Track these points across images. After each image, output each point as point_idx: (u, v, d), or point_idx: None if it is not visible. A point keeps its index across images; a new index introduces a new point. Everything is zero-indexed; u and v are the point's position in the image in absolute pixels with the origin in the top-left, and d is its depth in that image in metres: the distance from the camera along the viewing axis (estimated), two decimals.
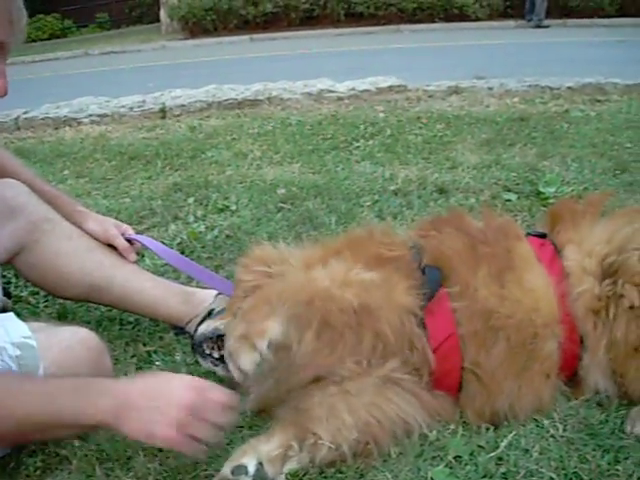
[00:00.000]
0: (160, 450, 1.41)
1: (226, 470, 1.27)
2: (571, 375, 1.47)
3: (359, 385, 1.33)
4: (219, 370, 1.68)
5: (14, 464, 1.42)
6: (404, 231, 1.86)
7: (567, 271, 1.47)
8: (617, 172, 3.26)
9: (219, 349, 1.68)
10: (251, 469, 1.26)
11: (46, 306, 2.15)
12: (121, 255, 1.92)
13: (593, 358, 1.43)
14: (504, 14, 15.42)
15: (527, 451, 1.35)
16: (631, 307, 1.40)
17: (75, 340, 1.43)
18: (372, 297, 1.39)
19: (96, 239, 1.91)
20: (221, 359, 1.66)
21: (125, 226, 1.99)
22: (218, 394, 1.27)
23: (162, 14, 17.51)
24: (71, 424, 1.22)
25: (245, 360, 1.26)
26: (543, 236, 1.60)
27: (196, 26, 14.60)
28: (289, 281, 1.44)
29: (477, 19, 14.88)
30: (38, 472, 1.40)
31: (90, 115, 5.04)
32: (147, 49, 13.64)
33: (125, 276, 1.88)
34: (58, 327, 1.51)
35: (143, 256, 2.34)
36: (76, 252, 1.86)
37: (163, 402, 1.22)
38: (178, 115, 5.00)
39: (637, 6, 15.39)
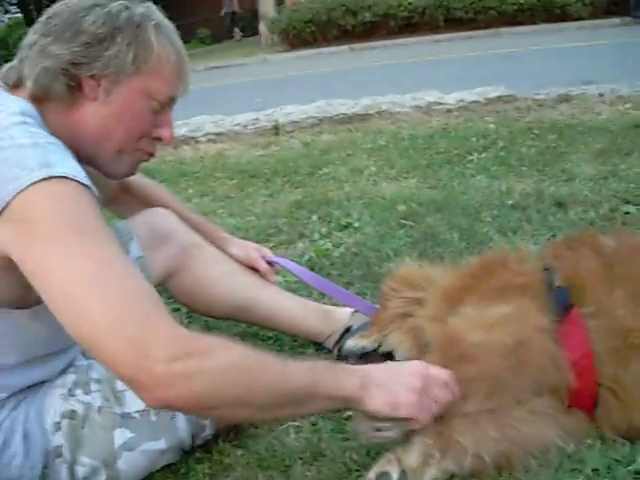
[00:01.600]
0: (316, 459, 1.54)
1: (371, 475, 1.37)
2: None
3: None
4: None
5: (184, 470, 1.57)
6: (538, 252, 1.91)
7: None
8: None
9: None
10: (394, 476, 1.35)
11: (190, 322, 2.31)
12: (263, 277, 2.07)
13: None
14: (608, 11, 15.03)
15: None
16: None
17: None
18: (518, 330, 1.46)
19: (239, 262, 2.06)
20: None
21: (265, 249, 2.14)
22: (440, 372, 1.40)
23: (261, 27, 17.93)
24: (325, 396, 1.26)
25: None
26: None
27: (296, 38, 14.88)
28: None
29: (580, 18, 14.57)
30: (207, 477, 1.54)
31: (207, 134, 5.28)
32: (249, 63, 13.99)
33: (268, 296, 2.02)
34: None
35: (277, 273, 2.47)
36: (222, 275, 2.01)
37: (401, 376, 1.35)
38: (291, 131, 5.17)
39: None
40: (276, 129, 5.22)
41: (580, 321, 1.47)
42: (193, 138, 5.25)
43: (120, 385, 1.46)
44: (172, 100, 1.50)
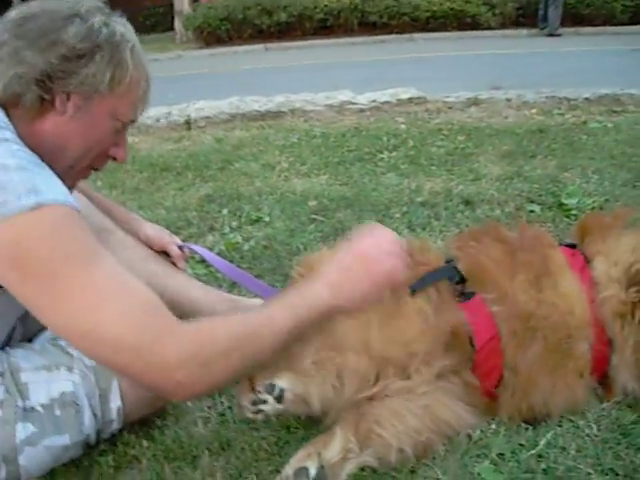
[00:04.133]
0: (224, 449, 1.53)
1: (289, 471, 1.36)
2: (602, 377, 1.57)
3: (415, 387, 1.43)
4: None
5: (87, 463, 1.53)
6: (443, 244, 1.96)
7: (596, 280, 1.58)
8: (637, 184, 3.35)
9: None
10: (312, 472, 1.35)
11: None
12: (173, 264, 2.04)
13: (621, 359, 1.54)
14: (517, 22, 15.52)
15: (565, 449, 1.45)
16: None
17: None
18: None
19: (150, 246, 2.03)
20: None
21: (175, 237, 2.11)
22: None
23: (177, 23, 17.71)
24: (308, 322, 1.35)
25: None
26: (573, 246, 1.71)
27: (211, 35, 14.77)
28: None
29: (490, 27, 14.98)
30: (111, 470, 1.50)
31: None
32: (163, 58, 13.78)
33: (177, 284, 1.98)
34: None
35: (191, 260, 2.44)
36: (131, 261, 1.96)
37: (353, 265, 1.43)
38: (203, 127, 5.13)
39: None
40: (188, 124, 5.16)
41: (483, 306, 1.51)
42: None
43: (25, 377, 1.42)
44: (133, 122, 1.49)
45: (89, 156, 1.45)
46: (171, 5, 18.35)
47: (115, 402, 1.49)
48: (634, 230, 1.70)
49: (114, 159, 1.53)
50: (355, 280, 1.40)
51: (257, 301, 2.03)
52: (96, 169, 1.53)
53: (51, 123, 1.35)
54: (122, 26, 1.43)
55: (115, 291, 1.22)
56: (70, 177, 1.44)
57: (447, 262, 1.62)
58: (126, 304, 1.21)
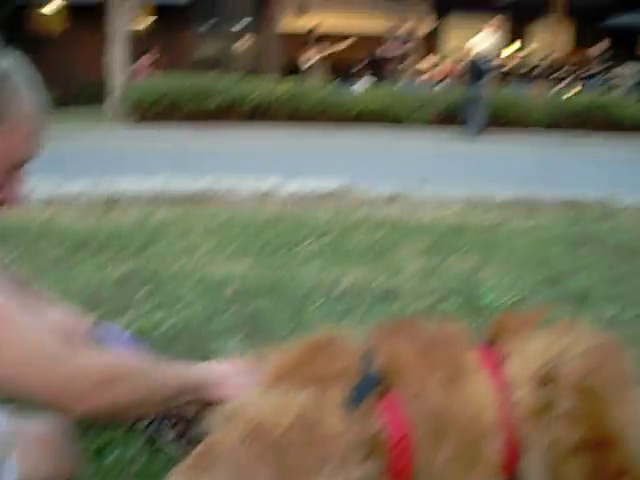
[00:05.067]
0: None
1: None
2: (511, 477, 1.59)
3: None
4: (173, 449, 1.77)
5: None
6: (361, 336, 1.98)
7: (509, 379, 1.61)
8: (549, 284, 3.48)
9: (174, 429, 1.77)
10: None
11: None
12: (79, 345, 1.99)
13: (532, 460, 1.56)
14: (442, 123, 16.10)
15: None
16: (567, 411, 1.53)
17: (43, 426, 1.50)
18: (308, 413, 1.48)
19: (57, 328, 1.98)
20: (177, 439, 1.77)
21: (86, 318, 2.07)
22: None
23: (110, 100, 17.76)
24: (190, 389, 1.49)
25: None
26: (487, 345, 1.74)
27: (142, 114, 14.82)
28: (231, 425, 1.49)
29: (414, 126, 15.49)
30: None
31: (41, 198, 5.09)
32: (95, 132, 13.76)
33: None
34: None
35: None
36: None
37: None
38: (127, 204, 5.10)
39: (566, 123, 16.30)
40: (112, 200, 5.13)
41: (397, 404, 1.52)
42: (25, 200, 5.04)
43: None
44: (26, 161, 1.43)
45: None
46: (105, 81, 18.45)
47: (9, 477, 1.44)
48: (546, 330, 1.75)
49: (6, 201, 1.44)
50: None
51: None
52: None
53: None
54: (12, 60, 1.39)
55: (20, 334, 1.30)
56: None
57: (365, 355, 1.63)
58: (29, 344, 1.29)
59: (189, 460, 1.41)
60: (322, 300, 3.05)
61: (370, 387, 1.53)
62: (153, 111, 14.67)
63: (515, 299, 3.20)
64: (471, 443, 1.53)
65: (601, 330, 2.60)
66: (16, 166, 1.41)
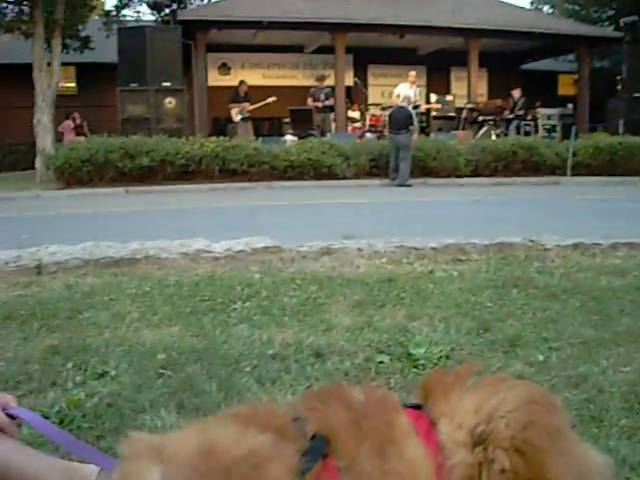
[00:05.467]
0: None
1: None
2: None
3: None
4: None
5: None
6: (291, 403, 1.96)
7: (442, 444, 1.60)
8: (480, 331, 3.52)
9: None
10: None
11: None
12: (2, 431, 1.91)
13: None
14: (370, 173, 16.37)
15: None
16: (502, 470, 1.53)
17: None
18: (262, 453, 1.45)
19: None
20: None
21: (8, 398, 1.99)
22: None
23: (37, 162, 17.54)
24: None
25: None
26: (418, 407, 1.74)
27: (72, 176, 14.66)
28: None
29: (345, 178, 15.70)
30: None
31: None
32: (21, 197, 13.54)
33: (5, 452, 1.86)
34: None
35: (20, 426, 2.31)
36: None
37: None
38: (54, 272, 4.99)
39: (489, 168, 16.76)
40: (39, 268, 5.01)
41: (335, 472, 1.50)
42: None
43: None
44: None
45: None
46: (33, 144, 18.23)
47: None
48: (476, 388, 1.76)
49: None
50: None
51: (93, 468, 1.93)
52: None
53: None
54: None
55: None
56: None
57: (295, 420, 1.61)
58: None
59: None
60: (254, 362, 3.02)
61: (320, 451, 1.52)
62: (82, 173, 14.55)
63: (447, 349, 3.22)
64: None
65: (531, 377, 2.66)
66: None
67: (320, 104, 19.07)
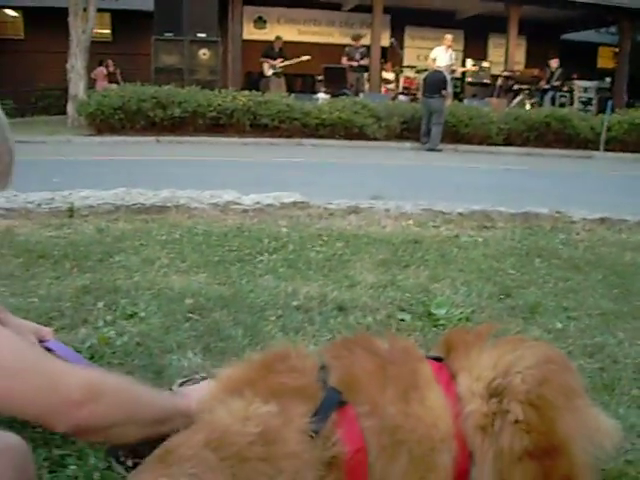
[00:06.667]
0: None
1: None
2: None
3: None
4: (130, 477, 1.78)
5: None
6: (317, 351, 2.03)
7: (460, 395, 1.68)
8: (501, 297, 3.59)
9: (133, 457, 1.78)
10: None
11: None
12: None
13: (481, 471, 1.63)
14: (401, 136, 16.30)
15: None
16: (516, 421, 1.60)
17: (2, 444, 1.51)
18: (272, 426, 1.53)
19: None
20: (134, 467, 1.77)
21: (45, 330, 2.09)
22: None
23: (69, 108, 17.62)
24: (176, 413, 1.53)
25: None
26: (439, 360, 1.81)
27: (103, 123, 14.74)
28: (192, 430, 1.52)
29: (376, 139, 15.65)
30: None
31: None
32: (52, 142, 13.64)
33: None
34: None
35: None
36: None
37: None
38: (86, 215, 5.10)
39: (522, 138, 16.62)
40: (71, 211, 5.12)
41: (353, 418, 1.57)
42: None
43: None
44: None
45: None
46: (66, 89, 18.30)
47: None
48: (495, 345, 1.83)
49: None
50: None
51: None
52: None
53: None
54: None
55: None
56: None
57: (321, 371, 1.68)
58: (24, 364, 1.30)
59: (151, 459, 1.45)
60: (279, 312, 3.11)
61: (332, 406, 1.59)
62: (114, 120, 14.60)
63: (468, 312, 3.29)
64: (425, 454, 1.59)
65: (549, 343, 2.71)
66: None
67: (355, 63, 18.94)
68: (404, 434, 1.58)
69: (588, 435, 1.66)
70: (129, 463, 1.78)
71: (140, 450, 1.76)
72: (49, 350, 2.04)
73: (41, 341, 2.04)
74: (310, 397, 1.60)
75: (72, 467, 1.85)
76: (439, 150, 15.02)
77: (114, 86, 18.81)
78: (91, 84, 20.08)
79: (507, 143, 16.47)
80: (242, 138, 14.87)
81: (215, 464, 1.40)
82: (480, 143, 16.27)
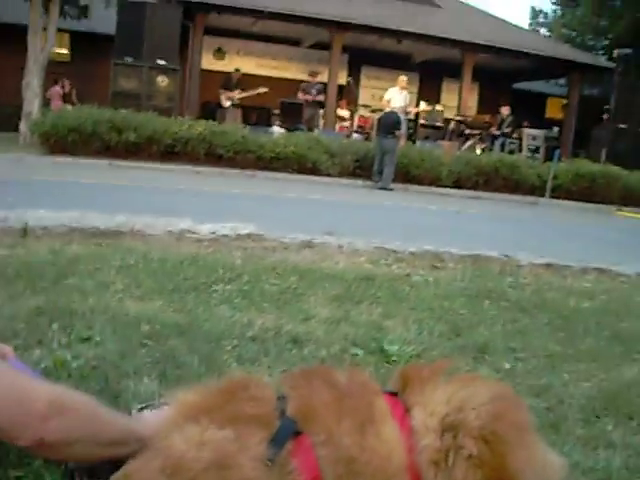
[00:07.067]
0: None
1: None
2: None
3: None
4: None
5: None
6: (276, 381, 2.07)
7: (414, 429, 1.74)
8: (452, 336, 3.68)
9: (89, 478, 1.80)
10: None
11: None
12: None
13: None
14: (353, 173, 16.49)
15: None
16: (469, 456, 1.66)
17: None
18: (227, 452, 1.56)
19: None
20: None
21: (6, 348, 2.09)
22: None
23: (22, 125, 17.44)
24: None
25: None
26: (394, 394, 1.87)
27: (57, 143, 14.57)
28: (148, 455, 1.56)
29: (328, 175, 15.80)
30: None
31: None
32: (4, 160, 13.45)
33: None
34: None
35: None
36: None
37: None
38: (40, 236, 5.06)
39: (471, 181, 16.95)
40: (25, 231, 5.08)
41: (309, 448, 1.62)
42: None
43: None
44: None
45: None
46: (19, 106, 18.11)
47: None
48: (449, 382, 1.90)
49: None
50: None
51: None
52: None
53: None
54: None
55: None
56: None
57: (279, 400, 1.73)
58: None
59: None
60: (235, 342, 3.13)
61: (287, 435, 1.64)
62: (67, 141, 14.45)
63: (419, 349, 3.36)
64: None
65: (499, 381, 2.80)
66: None
67: (310, 98, 19.17)
68: (359, 466, 1.63)
69: (537, 470, 1.74)
70: None
71: (96, 472, 1.79)
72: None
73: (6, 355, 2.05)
74: (266, 425, 1.65)
75: None
76: (390, 189, 15.24)
77: (69, 107, 18.70)
78: (45, 103, 19.91)
79: (457, 186, 16.78)
80: (196, 167, 14.87)
81: None
82: (430, 184, 16.54)
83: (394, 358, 3.21)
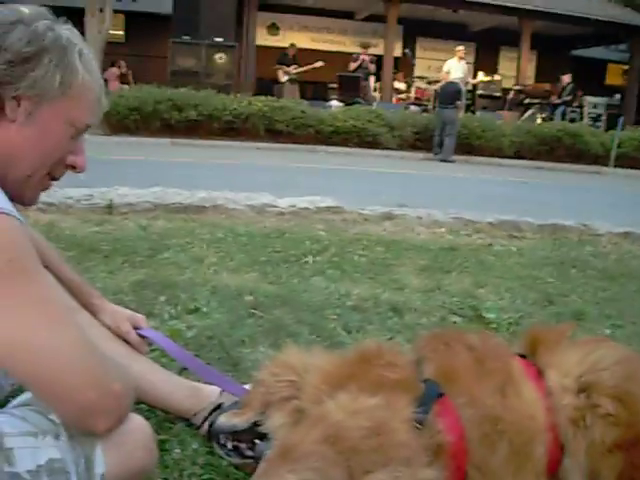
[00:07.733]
0: None
1: None
2: (553, 478, 1.73)
3: None
4: (232, 459, 1.86)
5: None
6: (413, 344, 2.09)
7: (550, 389, 1.76)
8: (545, 304, 3.67)
9: (233, 440, 1.86)
10: None
11: None
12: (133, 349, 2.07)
13: (573, 461, 1.70)
14: (413, 145, 16.40)
15: None
16: (606, 414, 1.68)
17: (133, 424, 1.56)
18: (381, 418, 1.60)
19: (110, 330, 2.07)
20: (234, 449, 1.85)
21: (139, 317, 2.15)
22: None
23: None
24: None
25: None
26: (523, 357, 1.89)
27: (118, 124, 14.79)
28: (307, 425, 1.58)
29: (388, 148, 15.74)
30: None
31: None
32: None
33: (138, 368, 1.99)
34: None
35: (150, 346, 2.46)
36: (96, 340, 1.99)
37: None
38: (125, 213, 5.17)
39: (533, 151, 16.72)
40: (109, 208, 5.19)
41: (452, 408, 1.65)
42: None
43: (9, 442, 1.37)
44: (87, 128, 1.50)
45: (46, 164, 1.45)
46: None
47: (99, 468, 1.48)
48: (577, 344, 1.92)
49: (73, 168, 1.54)
50: None
51: (216, 389, 2.08)
52: (56, 179, 1.55)
53: (2, 132, 1.36)
54: (68, 31, 1.45)
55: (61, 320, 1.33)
56: (29, 187, 1.46)
57: (417, 363, 1.76)
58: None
59: (272, 457, 1.52)
60: (338, 312, 3.17)
61: (433, 397, 1.67)
62: (129, 121, 14.64)
63: (516, 317, 3.36)
64: (524, 445, 1.67)
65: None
66: (80, 132, 1.49)
67: (363, 60, 19.11)
68: (505, 425, 1.65)
69: None
70: (229, 446, 1.86)
71: (239, 433, 1.85)
72: (143, 337, 2.11)
73: (136, 328, 2.11)
74: (411, 389, 1.68)
75: (176, 451, 1.90)
76: (452, 161, 15.12)
77: (126, 87, 18.90)
78: (105, 84, 20.13)
79: (518, 156, 16.57)
80: (255, 142, 14.96)
81: (334, 458, 1.47)
82: (491, 155, 16.36)
83: (493, 325, 3.22)
